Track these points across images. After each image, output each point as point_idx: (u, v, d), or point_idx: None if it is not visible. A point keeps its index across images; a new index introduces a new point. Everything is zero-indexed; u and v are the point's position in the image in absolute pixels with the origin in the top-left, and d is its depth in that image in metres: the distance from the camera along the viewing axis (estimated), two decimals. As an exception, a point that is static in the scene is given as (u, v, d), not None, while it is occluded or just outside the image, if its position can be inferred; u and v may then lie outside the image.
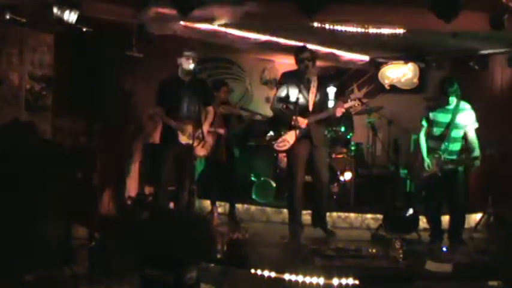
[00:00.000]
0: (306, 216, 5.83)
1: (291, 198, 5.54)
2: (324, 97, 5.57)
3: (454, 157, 5.20)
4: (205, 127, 5.53)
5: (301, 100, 5.35)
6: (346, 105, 5.41)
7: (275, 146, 5.55)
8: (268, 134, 5.65)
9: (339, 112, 5.37)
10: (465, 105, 5.21)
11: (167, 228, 3.80)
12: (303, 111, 5.36)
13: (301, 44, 6.18)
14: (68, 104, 5.97)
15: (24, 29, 5.38)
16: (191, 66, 5.34)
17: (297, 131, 5.30)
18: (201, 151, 5.53)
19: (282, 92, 5.49)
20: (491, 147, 5.26)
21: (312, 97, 5.43)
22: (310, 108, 5.42)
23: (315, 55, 5.49)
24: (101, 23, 5.56)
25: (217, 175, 6.30)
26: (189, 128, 5.40)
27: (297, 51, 5.49)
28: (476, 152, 5.11)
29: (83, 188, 5.88)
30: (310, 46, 5.79)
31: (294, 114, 5.29)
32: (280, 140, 5.45)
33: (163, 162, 5.47)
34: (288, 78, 5.52)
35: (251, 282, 4.26)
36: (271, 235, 5.74)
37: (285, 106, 5.44)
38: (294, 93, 5.38)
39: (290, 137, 5.38)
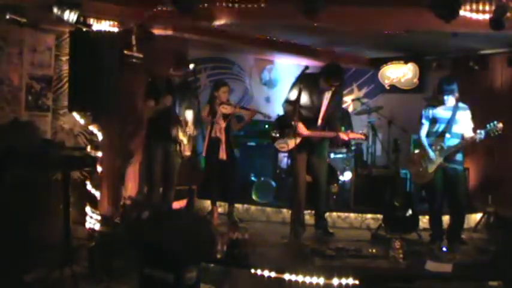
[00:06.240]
0: (306, 216, 5.83)
1: (293, 198, 5.54)
2: (336, 110, 5.53)
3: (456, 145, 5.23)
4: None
5: (311, 109, 5.36)
6: (352, 136, 5.52)
7: (276, 145, 5.62)
8: (273, 132, 5.64)
9: (343, 137, 5.42)
10: (463, 105, 5.32)
11: (167, 228, 3.78)
12: (310, 120, 5.36)
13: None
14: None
15: (24, 29, 5.38)
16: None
17: (297, 139, 5.32)
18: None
19: (293, 95, 5.29)
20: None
21: (323, 109, 5.40)
22: (319, 121, 5.41)
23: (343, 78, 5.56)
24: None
25: (217, 175, 6.29)
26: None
27: (330, 71, 5.30)
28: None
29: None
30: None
31: (300, 121, 5.25)
32: (281, 140, 5.48)
33: (153, 161, 5.55)
34: (305, 82, 5.30)
35: (251, 282, 4.26)
36: (271, 235, 5.74)
37: (293, 109, 5.24)
38: (305, 100, 5.32)
39: (291, 141, 5.37)
